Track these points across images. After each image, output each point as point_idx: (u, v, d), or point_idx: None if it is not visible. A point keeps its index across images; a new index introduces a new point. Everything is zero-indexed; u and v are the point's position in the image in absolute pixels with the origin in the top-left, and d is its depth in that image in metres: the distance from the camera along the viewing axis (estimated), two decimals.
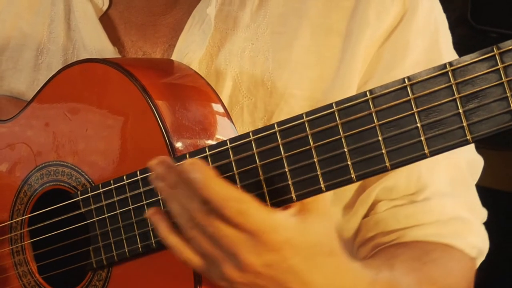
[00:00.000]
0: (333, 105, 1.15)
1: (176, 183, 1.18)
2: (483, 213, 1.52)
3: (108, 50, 1.50)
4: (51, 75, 1.45)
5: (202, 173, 1.16)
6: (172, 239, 1.22)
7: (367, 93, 1.13)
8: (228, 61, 1.46)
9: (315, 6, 1.46)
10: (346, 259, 1.26)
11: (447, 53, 1.49)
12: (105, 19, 1.54)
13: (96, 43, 1.51)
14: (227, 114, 1.38)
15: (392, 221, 1.47)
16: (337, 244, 1.24)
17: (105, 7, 1.53)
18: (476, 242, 1.48)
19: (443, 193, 1.47)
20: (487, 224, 1.54)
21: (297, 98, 1.45)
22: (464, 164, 1.51)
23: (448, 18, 1.55)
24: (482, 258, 1.51)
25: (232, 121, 1.38)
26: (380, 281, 1.30)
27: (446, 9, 1.54)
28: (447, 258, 1.44)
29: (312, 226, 1.19)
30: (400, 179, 1.46)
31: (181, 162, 1.18)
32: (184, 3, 1.50)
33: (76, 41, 1.54)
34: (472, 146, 1.52)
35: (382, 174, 1.43)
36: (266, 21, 1.47)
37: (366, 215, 1.49)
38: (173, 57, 1.47)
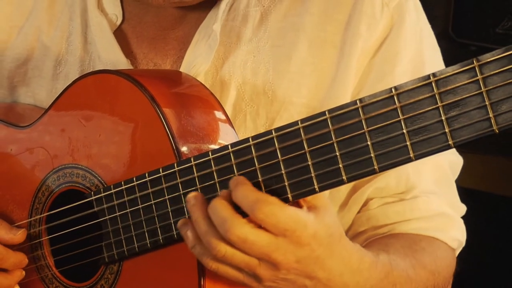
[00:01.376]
0: (326, 112, 1.15)
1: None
2: (462, 209, 1.54)
3: (121, 62, 1.50)
4: (68, 84, 1.45)
5: (233, 179, 1.19)
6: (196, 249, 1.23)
7: (357, 101, 1.13)
8: (231, 72, 1.46)
9: (311, 20, 1.46)
10: (351, 243, 1.28)
11: (430, 62, 1.49)
12: (119, 33, 1.54)
13: (111, 55, 1.51)
14: (228, 121, 1.38)
15: (383, 217, 1.48)
16: (342, 230, 1.26)
17: (118, 22, 1.53)
18: (456, 235, 1.50)
19: (429, 191, 1.48)
20: (466, 220, 1.56)
21: (295, 106, 1.45)
22: (447, 165, 1.52)
23: None
24: (460, 249, 1.53)
25: (233, 128, 1.38)
26: (381, 261, 1.31)
27: (430, 24, 1.54)
28: (433, 248, 1.46)
29: (325, 218, 1.20)
30: (390, 180, 1.46)
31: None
32: (191, 19, 1.49)
33: (92, 53, 1.54)
34: (454, 150, 1.53)
35: (374, 175, 1.44)
36: (267, 35, 1.47)
37: (358, 211, 1.49)
38: (182, 69, 1.47)
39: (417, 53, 1.47)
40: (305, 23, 1.46)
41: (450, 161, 1.52)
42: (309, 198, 1.20)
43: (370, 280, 1.28)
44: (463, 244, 1.53)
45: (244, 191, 1.18)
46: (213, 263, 1.22)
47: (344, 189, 1.49)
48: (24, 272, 1.45)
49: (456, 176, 1.55)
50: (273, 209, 1.17)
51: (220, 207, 1.19)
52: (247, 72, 1.47)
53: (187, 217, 1.26)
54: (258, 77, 1.46)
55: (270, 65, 1.46)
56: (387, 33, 1.45)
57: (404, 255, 1.39)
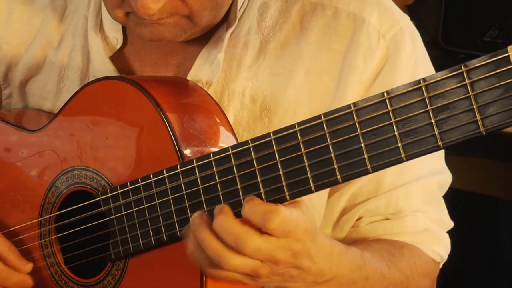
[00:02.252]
0: (322, 116, 1.15)
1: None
2: (449, 225, 1.53)
3: None
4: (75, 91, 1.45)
5: (247, 199, 1.20)
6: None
7: (351, 105, 1.13)
8: (231, 98, 1.44)
9: (309, 49, 1.43)
10: (323, 232, 1.29)
11: None
12: (121, 56, 1.52)
13: (104, 75, 1.48)
14: (229, 125, 1.38)
15: (371, 232, 1.47)
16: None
17: (118, 45, 1.51)
18: (439, 251, 1.49)
19: (416, 210, 1.48)
20: (455, 214, 1.56)
21: None
22: (436, 186, 1.50)
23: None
24: (442, 262, 1.53)
25: (233, 132, 1.38)
26: (351, 252, 1.32)
27: (420, 33, 1.53)
28: (413, 255, 1.45)
29: (307, 213, 1.22)
30: (381, 203, 1.46)
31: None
32: (192, 46, 1.47)
33: (90, 72, 1.53)
34: (444, 166, 1.53)
35: (364, 197, 1.45)
36: (265, 63, 1.45)
37: (351, 227, 1.49)
38: None
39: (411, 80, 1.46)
40: (302, 52, 1.43)
41: (439, 181, 1.51)
42: None
43: (341, 268, 1.29)
44: (444, 260, 1.52)
45: (252, 207, 1.19)
46: (214, 271, 1.23)
47: (337, 210, 1.49)
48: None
49: (443, 193, 1.54)
50: (283, 216, 1.17)
51: (229, 224, 1.19)
52: (245, 99, 1.45)
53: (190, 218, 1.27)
54: (256, 105, 1.44)
55: (267, 93, 1.44)
56: (383, 64, 1.43)
57: (380, 256, 1.39)
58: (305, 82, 1.43)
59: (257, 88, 1.44)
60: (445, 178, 1.53)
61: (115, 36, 1.51)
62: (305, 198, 1.43)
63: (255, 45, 1.45)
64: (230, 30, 1.44)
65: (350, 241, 1.47)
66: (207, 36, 1.45)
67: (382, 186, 1.45)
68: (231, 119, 1.43)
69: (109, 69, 1.49)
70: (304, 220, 1.20)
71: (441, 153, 1.52)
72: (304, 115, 1.42)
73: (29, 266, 1.44)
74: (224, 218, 1.19)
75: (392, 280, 1.37)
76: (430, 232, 1.48)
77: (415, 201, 1.47)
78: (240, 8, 1.45)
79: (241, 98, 1.45)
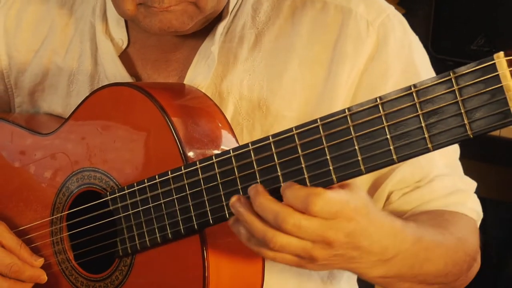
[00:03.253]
0: (318, 120, 1.15)
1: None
2: (473, 184, 1.52)
3: (126, 81, 1.50)
4: (81, 100, 1.45)
5: (283, 186, 1.18)
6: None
7: (346, 110, 1.13)
8: (229, 90, 1.45)
9: (301, 41, 1.45)
10: (380, 210, 1.28)
11: (423, 70, 1.47)
12: (126, 56, 1.53)
13: (116, 76, 1.50)
14: (230, 128, 1.38)
15: (405, 204, 1.45)
16: (372, 201, 1.24)
17: (124, 46, 1.52)
18: (474, 206, 1.48)
19: (441, 174, 1.46)
20: None
21: (287, 120, 1.43)
22: (452, 149, 1.49)
23: None
24: (480, 219, 1.50)
25: (234, 134, 1.38)
26: (410, 227, 1.29)
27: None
28: (456, 219, 1.43)
29: (358, 192, 1.19)
30: (405, 171, 1.44)
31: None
32: (190, 43, 1.48)
33: (100, 73, 1.54)
34: None
35: (387, 169, 1.42)
36: (261, 55, 1.46)
37: (383, 206, 1.47)
38: None
39: (408, 64, 1.45)
40: (295, 44, 1.45)
41: (454, 147, 1.50)
42: None
43: (404, 243, 1.25)
44: (481, 215, 1.50)
45: (294, 191, 1.16)
46: (270, 253, 1.20)
47: (365, 188, 1.46)
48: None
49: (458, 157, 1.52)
50: (325, 198, 1.14)
51: (268, 203, 1.17)
52: (243, 89, 1.46)
53: (209, 217, 1.26)
54: (253, 94, 1.45)
55: (264, 83, 1.45)
56: (374, 51, 1.43)
57: (431, 225, 1.36)
58: (299, 72, 1.44)
59: (254, 79, 1.45)
60: (456, 147, 1.51)
61: (120, 37, 1.52)
62: None
63: (250, 39, 1.47)
64: (223, 23, 1.46)
65: None
66: (205, 34, 1.47)
67: None
68: (231, 109, 1.44)
69: (119, 68, 1.50)
70: (354, 199, 1.17)
71: None
72: (298, 103, 1.43)
73: (40, 261, 1.44)
74: (262, 198, 1.17)
75: (448, 245, 1.35)
76: (462, 192, 1.46)
77: (437, 163, 1.45)
78: (234, 5, 1.48)
79: (240, 89, 1.45)
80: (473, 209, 1.47)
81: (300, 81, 1.44)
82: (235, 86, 1.45)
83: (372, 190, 1.47)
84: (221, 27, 1.46)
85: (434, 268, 1.32)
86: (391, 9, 1.48)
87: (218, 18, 1.46)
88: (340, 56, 1.43)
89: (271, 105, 1.44)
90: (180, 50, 1.50)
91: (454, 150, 1.50)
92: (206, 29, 1.46)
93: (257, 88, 1.45)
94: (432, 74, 1.50)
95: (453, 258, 1.35)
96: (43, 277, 1.44)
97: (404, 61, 1.44)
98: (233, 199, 1.20)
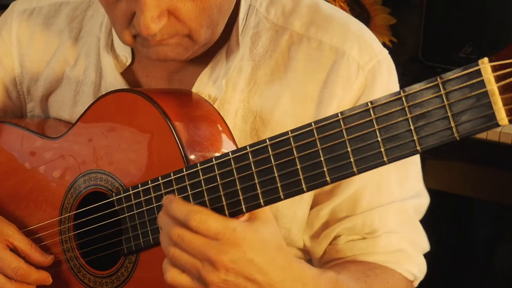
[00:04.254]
0: (312, 123, 1.15)
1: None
2: (424, 247, 1.50)
3: None
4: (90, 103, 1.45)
5: (166, 198, 1.23)
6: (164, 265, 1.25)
7: (339, 114, 1.13)
8: (225, 118, 1.42)
9: (295, 76, 1.43)
10: (292, 256, 1.26)
11: None
12: (130, 72, 1.52)
13: None
14: (229, 132, 1.38)
15: (348, 250, 1.45)
16: (283, 243, 1.24)
17: (128, 62, 1.51)
18: (413, 270, 1.46)
19: (390, 231, 1.45)
20: (434, 212, 1.55)
21: None
22: (412, 209, 1.48)
23: (403, 56, 1.54)
24: (420, 279, 1.49)
25: (233, 138, 1.37)
26: (326, 276, 1.28)
27: (402, 50, 1.54)
28: (387, 275, 1.43)
29: (260, 226, 1.19)
30: (357, 222, 1.44)
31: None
32: (193, 65, 1.46)
33: (102, 87, 1.53)
34: (423, 189, 1.51)
35: (343, 215, 1.44)
36: (256, 87, 1.44)
37: (329, 244, 1.47)
38: None
39: None
40: (289, 78, 1.43)
41: (415, 205, 1.49)
42: (255, 210, 1.20)
43: None
44: (420, 278, 1.49)
45: (177, 205, 1.21)
46: (165, 261, 1.24)
47: (316, 223, 1.47)
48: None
49: (420, 217, 1.51)
50: (203, 216, 1.18)
51: (162, 218, 1.23)
52: (237, 119, 1.44)
53: None
54: (247, 124, 1.44)
55: (257, 114, 1.44)
56: (361, 93, 1.42)
57: (355, 277, 1.36)
58: (290, 106, 1.43)
59: (248, 110, 1.44)
60: (422, 202, 1.51)
61: (125, 54, 1.51)
62: (289, 211, 1.43)
63: (247, 70, 1.45)
64: (239, 57, 1.44)
65: (329, 261, 1.47)
66: (207, 57, 1.45)
67: (359, 206, 1.44)
68: None
69: (121, 83, 1.49)
70: (246, 230, 1.18)
71: (419, 176, 1.51)
72: None
73: (50, 258, 1.44)
74: (159, 215, 1.25)
75: None
76: (403, 252, 1.45)
77: (389, 222, 1.45)
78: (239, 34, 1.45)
79: (234, 119, 1.44)
80: (409, 271, 1.46)
81: (291, 115, 1.42)
82: (230, 115, 1.44)
83: (324, 227, 1.47)
84: (237, 62, 1.44)
85: None
86: (383, 55, 1.46)
87: (221, 41, 1.43)
88: (329, 95, 1.41)
89: (262, 136, 1.42)
90: (183, 71, 1.48)
91: (415, 209, 1.49)
92: (211, 50, 1.44)
93: (251, 119, 1.44)
94: None
95: None
96: (48, 280, 1.44)
97: None
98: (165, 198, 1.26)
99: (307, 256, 1.51)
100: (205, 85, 1.44)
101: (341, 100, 1.41)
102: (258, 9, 1.47)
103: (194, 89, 1.45)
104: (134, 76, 1.52)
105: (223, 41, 1.44)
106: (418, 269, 1.48)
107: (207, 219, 1.18)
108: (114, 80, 1.50)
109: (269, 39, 1.46)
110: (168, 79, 1.50)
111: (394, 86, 1.48)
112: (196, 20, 1.32)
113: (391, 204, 1.44)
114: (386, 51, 1.47)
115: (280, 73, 1.44)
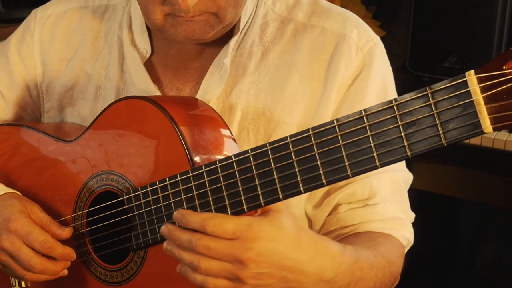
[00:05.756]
0: (309, 130, 1.15)
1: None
2: (411, 216, 1.53)
3: (150, 87, 1.50)
4: (106, 105, 1.44)
5: (177, 213, 1.22)
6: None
7: (334, 121, 1.13)
8: (238, 98, 1.46)
9: (301, 59, 1.47)
10: (316, 235, 1.26)
11: (390, 90, 1.52)
12: (149, 64, 1.54)
13: (141, 82, 1.51)
14: (232, 137, 1.38)
15: (349, 219, 1.46)
16: (302, 225, 1.24)
17: (148, 55, 1.53)
18: (406, 235, 1.49)
19: (386, 200, 1.47)
20: (420, 211, 1.56)
21: (288, 125, 1.45)
22: (402, 180, 1.51)
23: (392, 66, 1.55)
24: (409, 246, 1.52)
25: (236, 142, 1.37)
26: (348, 249, 1.30)
27: (391, 60, 1.55)
28: (388, 242, 1.44)
29: (274, 217, 1.19)
30: (357, 188, 1.46)
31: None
32: (207, 54, 1.50)
33: (127, 80, 1.54)
34: (405, 168, 1.53)
35: (344, 182, 1.44)
36: (266, 69, 1.48)
37: (329, 214, 1.48)
38: (198, 94, 1.47)
39: (382, 88, 1.49)
40: (296, 61, 1.47)
41: (404, 177, 1.52)
42: (266, 207, 1.20)
43: (343, 264, 1.27)
44: (411, 243, 1.52)
45: (191, 217, 1.20)
46: (199, 276, 1.20)
47: (320, 192, 1.48)
48: (69, 263, 1.43)
49: (407, 189, 1.54)
50: (218, 220, 1.17)
51: (180, 233, 1.21)
52: (250, 98, 1.47)
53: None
54: (259, 102, 1.46)
55: (268, 93, 1.46)
56: (359, 71, 1.47)
57: (366, 247, 1.37)
58: (299, 85, 1.46)
59: (259, 89, 1.47)
60: (409, 176, 1.54)
61: (144, 47, 1.53)
62: None
63: (258, 55, 1.49)
64: (235, 38, 1.47)
65: (331, 231, 1.47)
66: (219, 47, 1.48)
67: None
68: (238, 114, 1.46)
69: (144, 74, 1.51)
70: (261, 224, 1.17)
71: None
72: (298, 111, 1.45)
73: (68, 230, 1.42)
74: (174, 231, 1.22)
75: (378, 267, 1.36)
76: (398, 219, 1.48)
77: (385, 187, 1.47)
78: (245, 25, 1.49)
79: (247, 97, 1.47)
80: (405, 237, 1.48)
81: (300, 93, 1.46)
82: (243, 94, 1.47)
83: (325, 195, 1.48)
84: (233, 42, 1.47)
85: (365, 286, 1.33)
86: (377, 39, 1.52)
87: (230, 34, 1.48)
88: (334, 73, 1.45)
89: (274, 112, 1.45)
90: (198, 59, 1.51)
91: (405, 181, 1.52)
92: (220, 43, 1.48)
93: (262, 97, 1.46)
94: (395, 93, 1.54)
95: (381, 279, 1.36)
96: (72, 255, 1.42)
97: (379, 84, 1.48)
98: (163, 229, 1.24)
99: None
100: (215, 72, 1.47)
101: (343, 75, 1.45)
102: (266, 2, 1.53)
103: (207, 77, 1.47)
104: (152, 67, 1.54)
105: (233, 33, 1.48)
106: (410, 235, 1.50)
107: (222, 222, 1.17)
108: (138, 72, 1.52)
109: (276, 28, 1.51)
110: (184, 68, 1.52)
111: (387, 66, 1.53)
112: None
113: (386, 173, 1.47)
114: (378, 37, 1.53)
115: (287, 57, 1.48)
